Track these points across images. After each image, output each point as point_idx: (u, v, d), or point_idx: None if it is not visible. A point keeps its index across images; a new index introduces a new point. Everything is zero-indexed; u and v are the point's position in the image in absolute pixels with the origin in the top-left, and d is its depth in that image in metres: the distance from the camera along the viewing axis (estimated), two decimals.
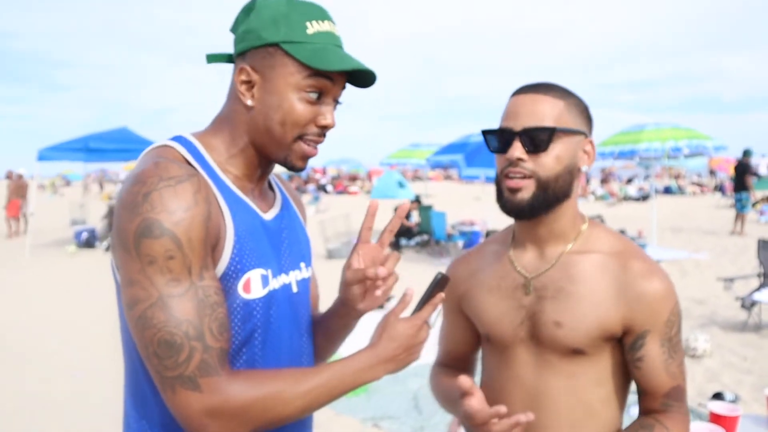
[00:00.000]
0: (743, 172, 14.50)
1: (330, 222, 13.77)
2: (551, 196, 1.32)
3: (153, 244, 1.04)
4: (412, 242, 13.21)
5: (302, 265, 1.36)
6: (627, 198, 27.05)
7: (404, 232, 13.24)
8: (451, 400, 1.45)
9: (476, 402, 1.25)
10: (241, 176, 1.25)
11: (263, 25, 1.17)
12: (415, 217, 13.34)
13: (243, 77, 1.19)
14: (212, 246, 1.12)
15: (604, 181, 34.65)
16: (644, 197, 25.92)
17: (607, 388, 1.38)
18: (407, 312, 1.26)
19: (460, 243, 12.56)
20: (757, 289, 6.63)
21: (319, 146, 1.25)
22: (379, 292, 1.31)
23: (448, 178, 46.55)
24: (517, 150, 1.30)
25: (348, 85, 1.25)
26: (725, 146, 11.86)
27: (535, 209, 1.32)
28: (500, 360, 1.45)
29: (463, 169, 12.67)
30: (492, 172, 11.61)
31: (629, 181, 34.53)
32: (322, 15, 1.21)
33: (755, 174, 14.72)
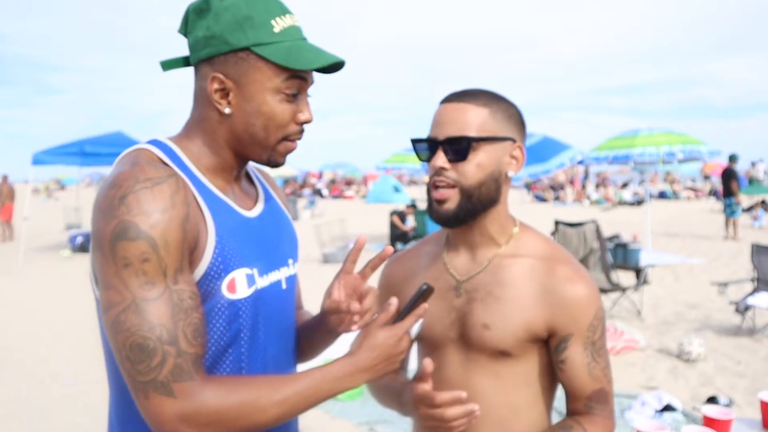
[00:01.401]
0: (729, 177, 14.62)
1: (326, 226, 13.77)
2: (476, 203, 1.34)
3: (128, 247, 1.03)
4: (408, 246, 13.21)
5: (290, 261, 1.35)
6: (622, 202, 27.11)
7: (400, 237, 13.25)
8: (394, 391, 1.45)
9: (429, 387, 1.26)
10: (219, 176, 1.24)
11: (227, 29, 1.15)
12: (411, 222, 13.35)
13: (216, 85, 1.17)
14: (191, 248, 1.10)
15: (600, 185, 34.73)
16: (639, 202, 25.99)
17: (533, 388, 1.40)
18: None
19: None
20: (751, 294, 6.65)
21: (300, 142, 1.26)
22: (354, 327, 1.31)
23: None
24: (440, 159, 1.33)
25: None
26: (719, 151, 11.90)
27: (461, 218, 1.35)
28: (432, 359, 1.44)
29: None
30: None
31: (624, 185, 34.60)
32: (282, 9, 1.19)
33: (738, 179, 14.73)
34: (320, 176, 42.09)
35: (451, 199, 1.34)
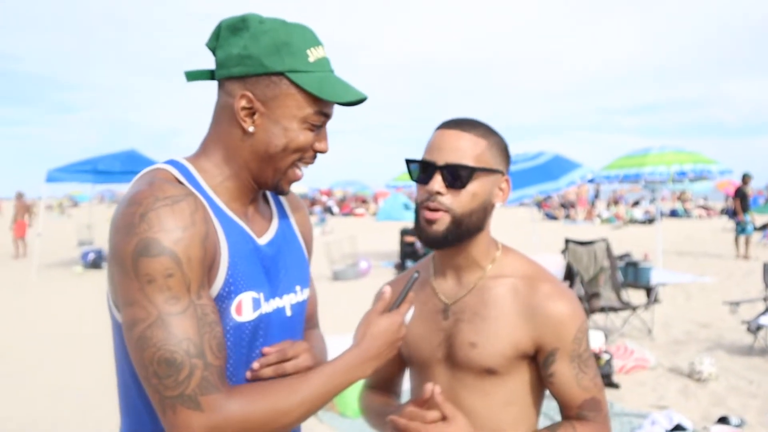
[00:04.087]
0: (736, 196, 14.67)
1: (336, 244, 13.81)
2: (464, 230, 1.39)
3: (152, 263, 1.04)
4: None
5: (297, 288, 1.36)
6: (633, 221, 27.00)
7: (410, 255, 13.26)
8: (387, 415, 1.48)
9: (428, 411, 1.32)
10: (234, 199, 1.25)
11: (265, 52, 1.17)
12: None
13: (244, 103, 1.19)
14: (209, 265, 1.12)
15: (611, 203, 34.60)
16: (650, 220, 25.86)
17: (520, 405, 1.44)
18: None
19: None
20: (763, 313, 6.61)
21: (310, 167, 1.30)
22: None
23: None
24: (437, 184, 1.36)
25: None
26: (730, 170, 11.88)
27: (448, 241, 1.39)
28: (420, 380, 1.52)
29: None
30: None
31: (635, 204, 34.47)
32: (316, 41, 1.23)
33: (746, 198, 14.64)
34: (330, 194, 42.19)
35: (441, 222, 1.37)
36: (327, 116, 1.24)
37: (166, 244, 1.05)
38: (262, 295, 1.23)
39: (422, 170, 1.40)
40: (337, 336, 4.18)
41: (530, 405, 1.46)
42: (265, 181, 1.26)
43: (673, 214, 30.88)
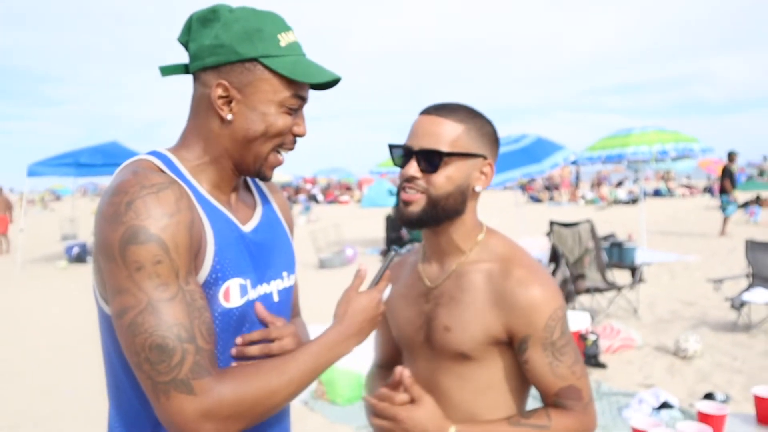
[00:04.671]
0: (723, 175, 14.57)
1: (321, 232, 13.80)
2: (440, 212, 1.41)
3: (139, 250, 1.05)
4: (403, 251, 13.23)
5: (284, 274, 1.37)
6: (617, 201, 27.19)
7: (395, 241, 13.27)
8: None
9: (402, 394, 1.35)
10: (216, 188, 1.27)
11: (237, 40, 1.19)
12: None
13: (220, 92, 1.20)
14: (195, 252, 1.13)
15: (596, 184, 34.80)
16: (634, 200, 26.05)
17: (497, 391, 1.45)
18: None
19: None
20: (746, 290, 6.69)
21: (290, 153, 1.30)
22: None
23: None
24: (412, 168, 1.40)
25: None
26: (711, 148, 11.96)
27: (423, 222, 1.42)
28: (407, 362, 1.57)
29: None
30: None
31: (619, 184, 34.69)
32: (286, 26, 1.25)
33: (732, 177, 14.54)
34: (315, 182, 42.11)
35: (417, 203, 1.41)
36: (303, 99, 1.25)
37: (154, 231, 1.06)
38: (249, 282, 1.24)
39: (400, 155, 1.45)
40: (324, 324, 4.19)
41: (509, 391, 1.46)
42: (246, 168, 1.26)
43: (657, 193, 31.13)
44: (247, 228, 1.30)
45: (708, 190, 30.38)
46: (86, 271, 12.65)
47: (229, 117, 1.21)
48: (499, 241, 1.51)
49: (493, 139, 1.48)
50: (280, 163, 1.29)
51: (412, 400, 1.34)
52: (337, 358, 1.23)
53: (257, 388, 1.10)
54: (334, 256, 12.27)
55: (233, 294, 1.20)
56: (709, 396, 4.61)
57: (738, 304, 6.55)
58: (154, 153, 1.24)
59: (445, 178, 1.40)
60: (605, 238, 9.30)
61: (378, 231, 16.52)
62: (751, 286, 6.77)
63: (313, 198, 35.15)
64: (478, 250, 1.48)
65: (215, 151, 1.25)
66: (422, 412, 1.33)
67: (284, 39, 1.22)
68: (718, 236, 14.51)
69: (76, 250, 14.09)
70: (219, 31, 1.19)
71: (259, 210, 1.37)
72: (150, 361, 1.04)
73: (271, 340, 1.27)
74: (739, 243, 12.76)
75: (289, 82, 1.21)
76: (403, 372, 1.33)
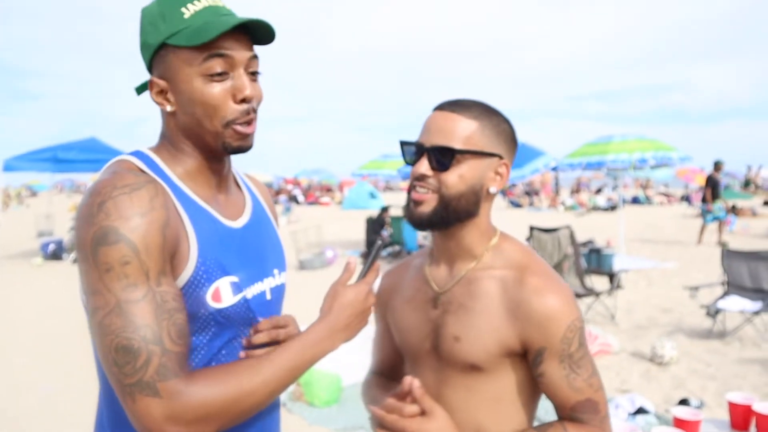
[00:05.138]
0: (706, 184, 14.64)
1: (302, 233, 13.74)
2: (452, 213, 1.34)
3: (109, 251, 1.04)
4: (384, 253, 13.24)
5: (275, 271, 1.36)
6: (596, 208, 27.40)
7: (375, 243, 13.26)
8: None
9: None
10: (201, 185, 1.25)
11: (146, 34, 1.20)
12: (387, 228, 13.37)
13: (155, 89, 1.21)
14: (171, 253, 1.11)
15: (576, 191, 35.05)
16: (612, 207, 26.27)
17: (506, 405, 1.37)
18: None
19: None
20: (721, 297, 6.77)
21: (254, 122, 1.24)
22: None
23: None
24: (423, 166, 1.34)
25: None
26: (690, 157, 12.10)
27: (433, 223, 1.35)
28: (410, 371, 1.48)
29: None
30: None
31: (598, 191, 34.96)
32: None
33: (715, 187, 14.54)
34: (296, 182, 41.96)
35: (428, 203, 1.34)
36: (225, 59, 1.17)
37: (123, 232, 1.05)
38: (241, 279, 1.22)
39: (412, 152, 1.39)
40: (304, 325, 4.14)
41: (520, 404, 1.38)
42: (214, 150, 1.23)
43: (635, 201, 31.43)
44: (238, 224, 1.28)
45: (685, 198, 30.72)
46: (62, 269, 12.48)
47: (170, 108, 1.21)
48: (513, 246, 1.43)
49: (510, 139, 1.40)
50: (246, 134, 1.21)
51: (423, 412, 1.27)
52: (322, 354, 1.20)
53: (229, 389, 1.08)
54: (314, 258, 12.23)
55: (224, 293, 1.18)
56: (683, 402, 4.66)
57: (713, 312, 6.63)
58: (135, 153, 1.23)
59: (457, 177, 1.33)
60: (584, 244, 9.38)
61: (359, 233, 16.50)
62: (726, 293, 6.85)
63: (293, 199, 35.01)
64: (491, 256, 1.41)
65: (180, 144, 1.24)
66: (435, 425, 1.26)
67: (190, 9, 1.18)
68: (696, 244, 14.66)
69: (52, 247, 13.90)
70: (139, 35, 1.22)
71: (249, 206, 1.36)
72: (117, 363, 1.03)
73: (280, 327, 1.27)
74: (715, 251, 12.92)
75: (199, 48, 1.15)
76: (412, 382, 1.27)
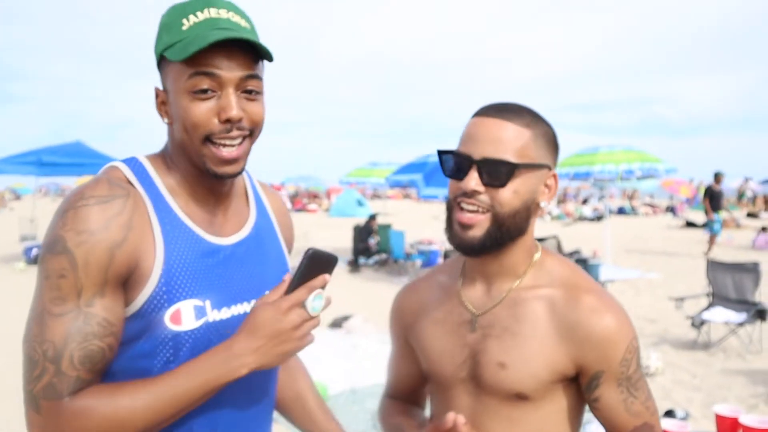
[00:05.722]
0: (705, 195, 14.58)
1: None
2: (505, 233, 1.22)
3: (51, 260, 1.04)
4: (371, 261, 13.21)
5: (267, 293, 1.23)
6: (582, 218, 27.52)
7: (363, 251, 13.23)
8: None
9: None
10: (194, 198, 1.20)
11: (156, 43, 1.17)
12: (374, 236, 13.35)
13: (158, 99, 1.19)
14: (122, 275, 1.07)
15: (562, 201, 35.21)
16: (598, 218, 26.38)
17: None
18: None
19: (419, 262, 12.60)
20: (706, 308, 6.81)
21: (243, 146, 1.15)
22: None
23: (407, 197, 46.77)
24: (473, 181, 1.19)
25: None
26: (675, 168, 12.20)
27: (486, 248, 1.22)
28: (440, 400, 1.36)
29: (421, 189, 12.77)
30: None
31: (584, 201, 35.13)
32: (202, 4, 1.13)
33: (714, 198, 14.41)
34: (282, 189, 41.88)
35: (480, 226, 1.20)
36: (209, 75, 1.09)
37: (69, 245, 1.04)
38: (208, 303, 1.15)
39: (456, 164, 1.23)
40: None
41: None
42: (199, 168, 1.16)
43: (621, 211, 31.59)
44: (228, 241, 1.22)
45: (670, 209, 30.93)
46: None
47: (167, 121, 1.19)
48: (557, 262, 1.32)
49: (556, 147, 1.28)
50: (223, 157, 1.13)
51: None
52: (221, 381, 1.08)
53: (102, 418, 1.03)
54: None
55: (186, 316, 1.12)
56: (669, 413, 4.66)
57: (698, 323, 6.66)
58: (130, 160, 1.20)
59: (512, 193, 1.19)
60: (571, 254, 9.41)
61: (346, 241, 16.47)
62: (711, 305, 6.90)
63: None
64: (534, 273, 1.29)
65: (175, 156, 1.20)
66: None
67: (190, 21, 1.12)
68: (703, 254, 14.38)
69: (35, 252, 13.74)
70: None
71: (250, 222, 1.28)
72: (23, 367, 1.05)
73: None
74: (700, 262, 13.00)
75: (186, 63, 1.09)
76: (457, 419, 1.14)
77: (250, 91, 1.14)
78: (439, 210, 24.81)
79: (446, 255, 12.31)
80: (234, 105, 1.11)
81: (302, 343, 1.12)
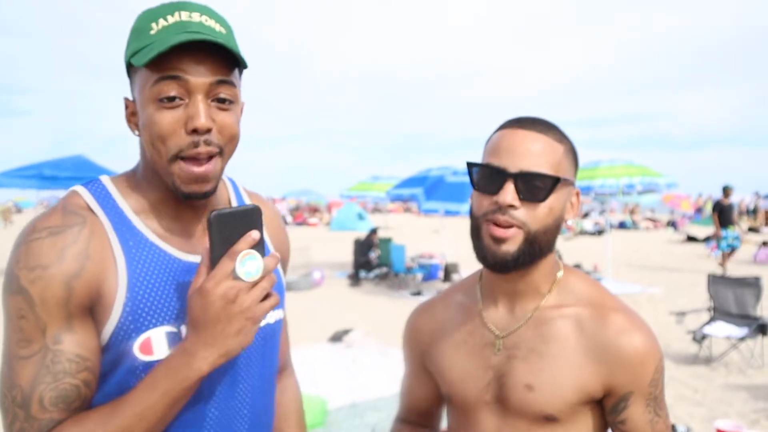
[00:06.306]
0: (713, 210, 13.74)
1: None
2: (537, 250, 1.18)
3: (9, 300, 1.00)
4: (372, 275, 13.20)
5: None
6: (583, 232, 27.52)
7: (364, 265, 13.23)
8: None
9: None
10: (163, 217, 1.12)
11: (125, 50, 1.09)
12: (375, 250, 13.35)
13: (128, 110, 1.11)
14: (84, 305, 1.01)
15: None
16: (599, 232, 26.38)
17: None
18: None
19: (420, 276, 12.60)
20: (708, 323, 6.79)
21: (213, 160, 1.05)
22: None
23: (407, 210, 46.81)
24: (510, 195, 1.13)
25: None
26: (676, 183, 12.21)
27: (519, 264, 1.17)
28: (463, 423, 1.31)
29: (422, 203, 12.78)
30: (452, 206, 11.71)
31: (585, 215, 35.15)
32: (173, 8, 1.05)
33: (723, 212, 13.88)
34: (283, 203, 41.90)
35: (513, 241, 1.15)
36: (176, 79, 1.01)
37: (22, 283, 0.99)
38: (185, 327, 1.06)
39: (489, 177, 1.17)
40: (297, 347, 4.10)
41: None
42: (168, 186, 1.08)
43: (622, 225, 31.57)
44: None
45: (671, 224, 30.93)
46: None
47: (136, 133, 1.10)
48: (580, 279, 1.29)
49: (577, 163, 1.26)
50: (193, 174, 1.04)
51: None
52: (185, 386, 0.99)
53: None
54: (301, 279, 12.17)
55: (157, 345, 1.04)
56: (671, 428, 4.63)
57: (699, 337, 6.64)
58: (91, 182, 1.13)
59: (548, 210, 1.16)
60: None
61: (346, 254, 16.46)
62: (712, 319, 6.87)
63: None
64: (558, 292, 1.26)
65: (146, 171, 1.12)
66: None
67: (159, 25, 1.03)
68: (720, 268, 13.83)
69: None
70: None
71: None
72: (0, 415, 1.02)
73: None
74: (701, 277, 12.97)
75: (152, 69, 1.01)
76: None
77: (222, 99, 1.05)
78: (440, 224, 24.83)
79: (447, 269, 12.31)
80: (202, 113, 1.02)
81: (254, 314, 1.00)
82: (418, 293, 11.35)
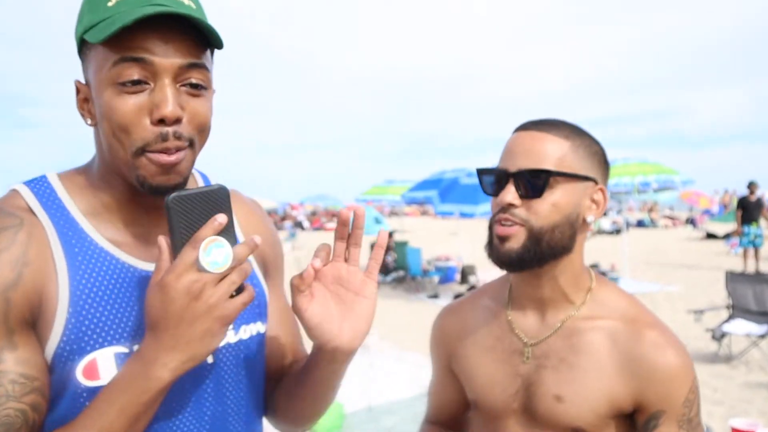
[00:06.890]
0: (738, 206, 13.76)
1: (306, 259, 13.74)
2: (545, 248, 1.16)
3: None
4: (388, 278, 13.22)
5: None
6: (600, 232, 27.34)
7: (380, 268, 13.22)
8: None
9: None
10: (124, 219, 0.98)
11: (76, 25, 0.94)
12: (391, 253, 13.38)
13: (80, 95, 0.96)
14: (29, 319, 0.88)
15: None
16: (617, 231, 26.20)
17: None
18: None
19: (436, 278, 12.59)
20: (727, 321, 6.74)
21: (183, 151, 0.91)
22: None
23: (424, 213, 46.73)
24: (509, 194, 1.15)
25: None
26: (692, 180, 12.12)
27: (524, 262, 1.16)
28: (488, 430, 1.29)
29: (437, 206, 12.78)
30: (466, 209, 11.71)
31: (603, 214, 34.92)
32: None
33: (747, 209, 13.35)
34: (300, 208, 42.02)
35: (516, 238, 1.16)
36: (138, 61, 0.87)
37: None
38: (138, 347, 0.91)
39: (493, 180, 1.21)
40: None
41: None
42: (132, 183, 0.93)
43: (640, 224, 31.34)
44: None
45: (690, 221, 30.65)
46: None
47: (89, 122, 0.95)
48: (615, 292, 1.27)
49: (604, 161, 1.24)
50: (163, 163, 0.89)
51: None
52: (148, 397, 0.85)
53: None
54: None
55: (104, 368, 0.90)
56: None
57: (719, 335, 6.59)
58: (36, 180, 0.98)
59: (550, 206, 1.15)
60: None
61: (363, 259, 16.45)
62: (731, 317, 6.81)
63: (299, 225, 35.03)
64: (591, 303, 1.24)
65: (102, 167, 0.98)
66: None
67: None
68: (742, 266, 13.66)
69: None
70: None
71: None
72: None
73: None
74: (720, 274, 12.85)
75: (110, 47, 0.87)
76: None
77: (194, 85, 0.91)
78: (456, 226, 24.74)
79: (464, 271, 12.31)
80: (170, 100, 0.88)
81: (222, 312, 0.85)
82: (435, 296, 11.35)
